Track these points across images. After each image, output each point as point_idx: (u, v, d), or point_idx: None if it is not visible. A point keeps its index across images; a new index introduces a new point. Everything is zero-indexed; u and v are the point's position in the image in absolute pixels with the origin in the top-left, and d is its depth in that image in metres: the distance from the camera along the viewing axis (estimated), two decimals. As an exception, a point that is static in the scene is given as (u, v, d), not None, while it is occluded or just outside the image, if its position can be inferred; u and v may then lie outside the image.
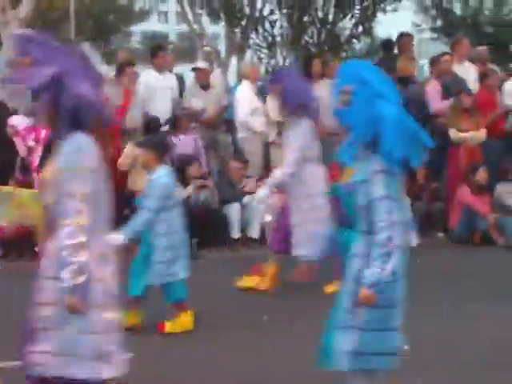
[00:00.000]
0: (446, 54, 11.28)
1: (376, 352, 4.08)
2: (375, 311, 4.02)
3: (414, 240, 10.02)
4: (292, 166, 7.50)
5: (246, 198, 10.14)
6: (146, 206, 6.27)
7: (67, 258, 3.74)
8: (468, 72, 11.15)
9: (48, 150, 8.84)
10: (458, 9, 16.07)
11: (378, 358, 4.11)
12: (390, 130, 3.89)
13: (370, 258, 3.94)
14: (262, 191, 7.69)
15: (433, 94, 10.78)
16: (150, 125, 9.78)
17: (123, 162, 9.56)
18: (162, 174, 6.36)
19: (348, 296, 4.08)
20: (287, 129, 7.88)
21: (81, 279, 3.76)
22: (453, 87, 10.67)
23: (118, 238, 6.06)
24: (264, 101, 10.90)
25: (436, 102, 10.74)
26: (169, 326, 6.43)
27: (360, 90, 3.97)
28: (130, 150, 9.49)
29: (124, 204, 9.74)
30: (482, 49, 12.05)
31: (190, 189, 9.83)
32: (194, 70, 11.07)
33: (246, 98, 10.79)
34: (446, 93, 10.71)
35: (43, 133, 9.06)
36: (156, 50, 11.23)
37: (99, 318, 3.89)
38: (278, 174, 7.63)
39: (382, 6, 13.40)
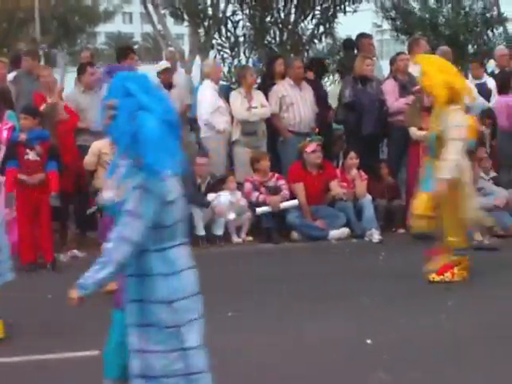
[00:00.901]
0: (401, 53, 11.45)
1: (168, 374, 3.84)
2: (163, 333, 3.83)
3: (377, 236, 10.22)
4: None
5: (210, 197, 10.25)
6: None
7: None
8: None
9: (11, 150, 8.85)
10: (417, 10, 16.26)
11: (172, 380, 3.85)
12: (148, 143, 3.74)
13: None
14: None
15: (390, 92, 10.95)
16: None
17: (89, 160, 9.58)
18: None
19: (132, 317, 3.89)
20: None
21: None
22: (409, 86, 10.86)
23: None
24: (227, 100, 11.00)
25: (394, 100, 10.93)
26: None
27: (124, 103, 3.81)
28: (95, 148, 9.52)
29: (88, 202, 9.77)
30: (446, 48, 12.13)
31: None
32: (159, 73, 10.98)
33: (207, 97, 10.85)
34: (403, 91, 10.90)
35: (5, 133, 9.03)
36: (126, 52, 11.22)
37: None
38: None
39: (342, 7, 13.54)
